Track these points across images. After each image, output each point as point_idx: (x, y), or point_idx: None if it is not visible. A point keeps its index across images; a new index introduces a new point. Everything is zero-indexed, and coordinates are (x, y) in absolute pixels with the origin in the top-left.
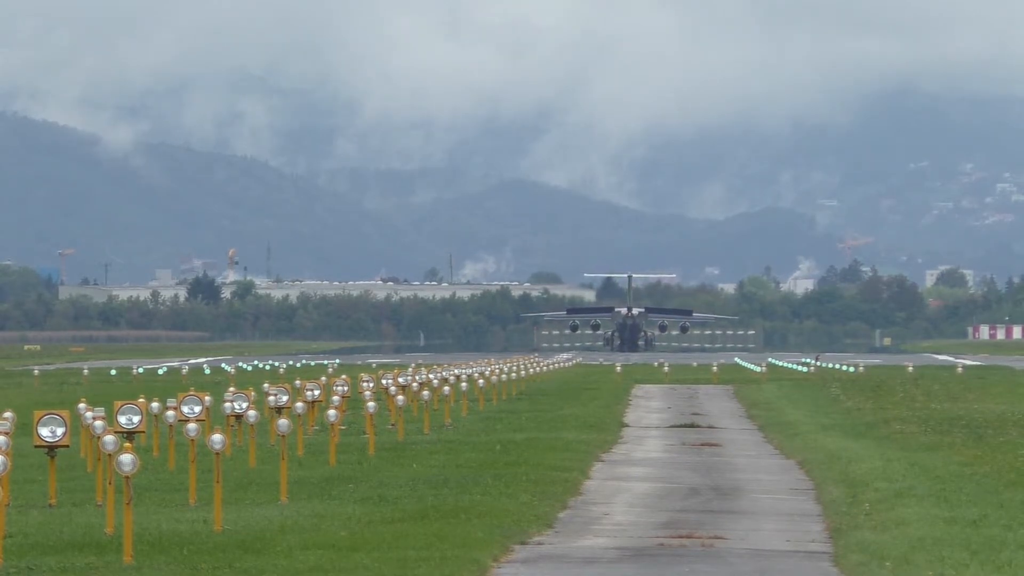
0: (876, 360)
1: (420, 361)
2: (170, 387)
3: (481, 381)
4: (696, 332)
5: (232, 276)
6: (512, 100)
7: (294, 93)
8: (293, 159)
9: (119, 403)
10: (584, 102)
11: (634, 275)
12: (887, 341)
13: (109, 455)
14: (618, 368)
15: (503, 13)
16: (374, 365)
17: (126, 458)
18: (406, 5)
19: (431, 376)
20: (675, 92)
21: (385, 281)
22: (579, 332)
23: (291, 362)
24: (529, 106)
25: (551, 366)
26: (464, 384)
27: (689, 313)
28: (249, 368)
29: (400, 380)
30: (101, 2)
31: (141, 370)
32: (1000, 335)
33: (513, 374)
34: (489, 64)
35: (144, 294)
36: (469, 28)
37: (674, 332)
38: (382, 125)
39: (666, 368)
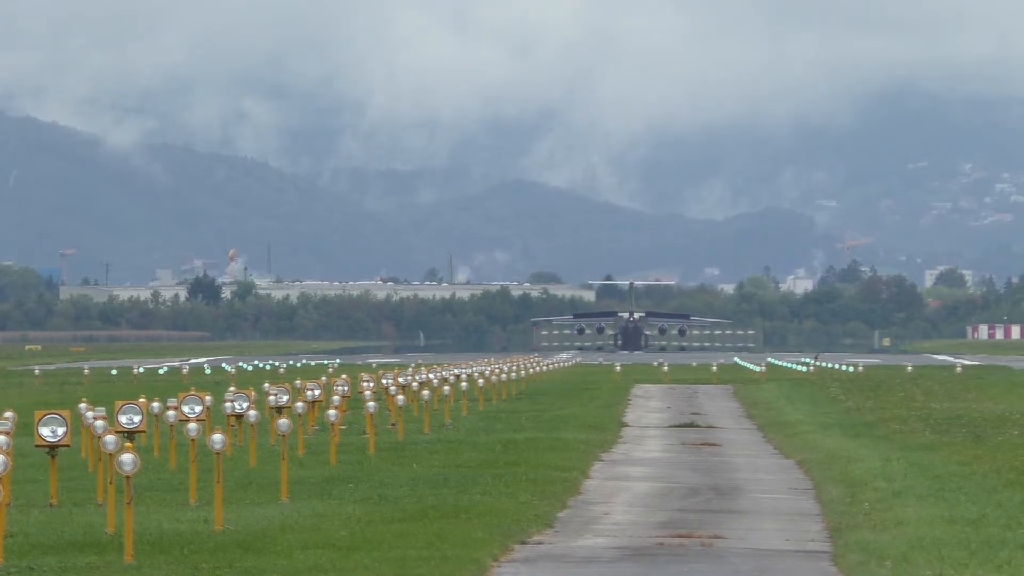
0: (875, 360)
1: (420, 361)
2: (171, 387)
3: (481, 381)
4: (696, 332)
5: (236, 269)
6: (515, 100)
7: (298, 93)
8: (296, 159)
9: (120, 403)
10: (587, 102)
11: (635, 282)
12: (886, 341)
13: (110, 455)
14: (618, 368)
15: (508, 13)
16: (374, 365)
17: (127, 458)
18: (411, 4)
19: (431, 376)
20: (677, 92)
21: (385, 281)
22: (585, 334)
23: (291, 362)
24: (532, 106)
25: (551, 366)
26: (464, 384)
27: (687, 317)
28: (249, 368)
29: (400, 380)
30: (104, 3)
31: (142, 370)
32: (999, 335)
33: (513, 374)
34: (493, 63)
35: (145, 294)
36: (473, 27)
37: (673, 332)
38: (386, 125)
39: (666, 368)
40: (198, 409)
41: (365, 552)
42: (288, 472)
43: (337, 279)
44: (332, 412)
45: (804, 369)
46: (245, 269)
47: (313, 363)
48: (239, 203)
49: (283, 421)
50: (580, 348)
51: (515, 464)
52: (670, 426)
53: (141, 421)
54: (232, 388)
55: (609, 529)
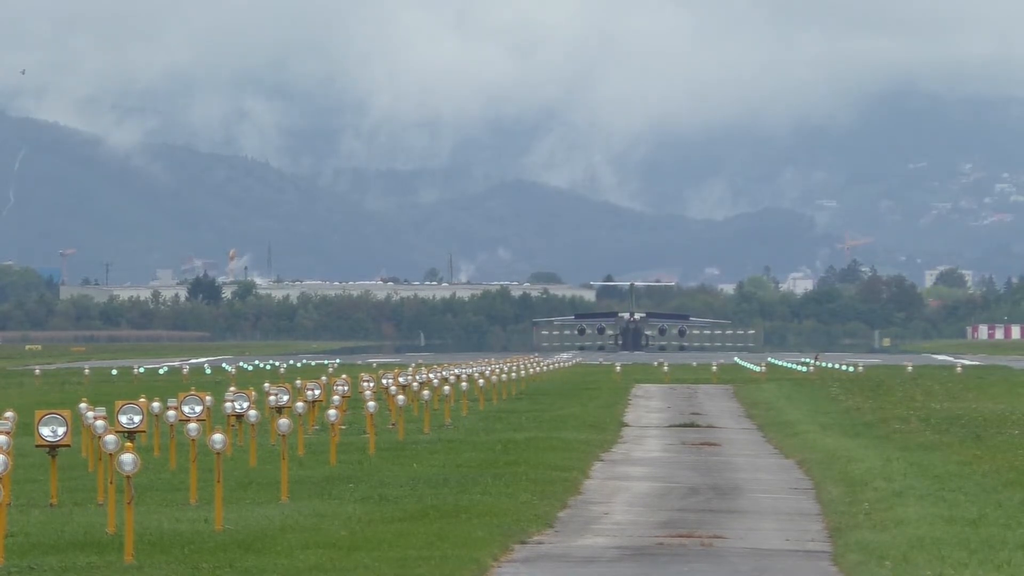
0: (875, 360)
1: (420, 361)
2: (171, 387)
3: (481, 381)
4: (695, 332)
5: (236, 268)
6: (516, 100)
7: (299, 93)
8: (297, 159)
9: (120, 403)
10: (587, 102)
11: (636, 283)
12: (886, 342)
13: (110, 455)
14: (618, 368)
15: (509, 13)
16: (374, 365)
17: (127, 458)
18: (412, 4)
19: (431, 376)
20: (677, 92)
21: (385, 281)
22: (586, 334)
23: (291, 362)
24: (533, 106)
25: (551, 366)
26: (464, 384)
27: (686, 317)
28: (250, 368)
29: (400, 380)
30: (106, 3)
31: (142, 370)
32: (999, 335)
33: (513, 374)
34: (494, 63)
35: (145, 294)
36: (475, 27)
37: (673, 332)
38: (387, 125)
39: (666, 368)
40: (198, 409)
41: (365, 552)
42: (288, 472)
43: (337, 279)
44: (332, 412)
45: (804, 369)
46: (245, 269)
47: (313, 363)
48: (239, 203)
49: (283, 421)
50: (581, 348)
51: (515, 464)
52: (670, 426)
53: (141, 421)
54: (232, 388)
55: (609, 529)
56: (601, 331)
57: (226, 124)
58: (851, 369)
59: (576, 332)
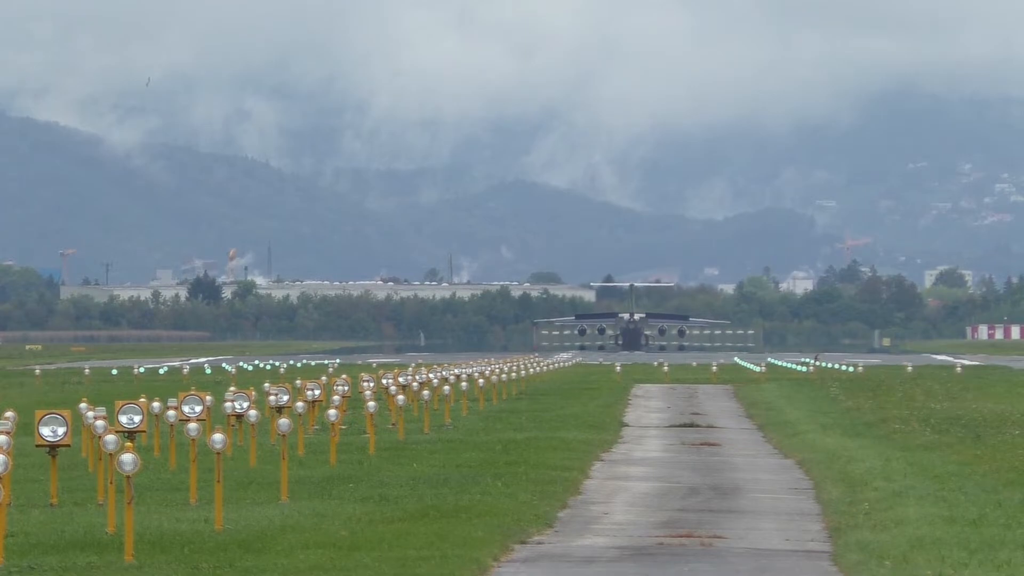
0: (875, 360)
1: (420, 361)
2: (171, 387)
3: (481, 381)
4: (695, 332)
5: (236, 267)
6: (518, 100)
7: (300, 93)
8: (298, 159)
9: (120, 403)
10: (588, 102)
11: (636, 283)
12: (886, 342)
13: (110, 454)
14: (618, 368)
15: (510, 12)
16: (374, 365)
17: (127, 457)
18: (413, 4)
19: (431, 376)
20: (678, 92)
21: (385, 281)
22: (586, 334)
23: (291, 362)
24: (535, 106)
25: (551, 366)
26: (464, 384)
27: (686, 318)
28: (250, 368)
29: (400, 380)
30: (107, 3)
31: (142, 370)
32: (999, 335)
33: (513, 374)
34: (496, 63)
35: (145, 294)
36: (476, 27)
37: (673, 333)
38: (388, 125)
39: (666, 368)
40: (198, 409)
41: (365, 552)
42: (288, 472)
43: (337, 279)
44: (332, 412)
45: (804, 369)
46: (245, 269)
47: (313, 363)
48: (239, 203)
49: (283, 421)
50: (582, 348)
51: (515, 464)
52: (670, 426)
53: (141, 421)
54: (232, 388)
55: (609, 529)
56: (601, 331)
57: (226, 124)
58: (851, 369)
59: (576, 332)
